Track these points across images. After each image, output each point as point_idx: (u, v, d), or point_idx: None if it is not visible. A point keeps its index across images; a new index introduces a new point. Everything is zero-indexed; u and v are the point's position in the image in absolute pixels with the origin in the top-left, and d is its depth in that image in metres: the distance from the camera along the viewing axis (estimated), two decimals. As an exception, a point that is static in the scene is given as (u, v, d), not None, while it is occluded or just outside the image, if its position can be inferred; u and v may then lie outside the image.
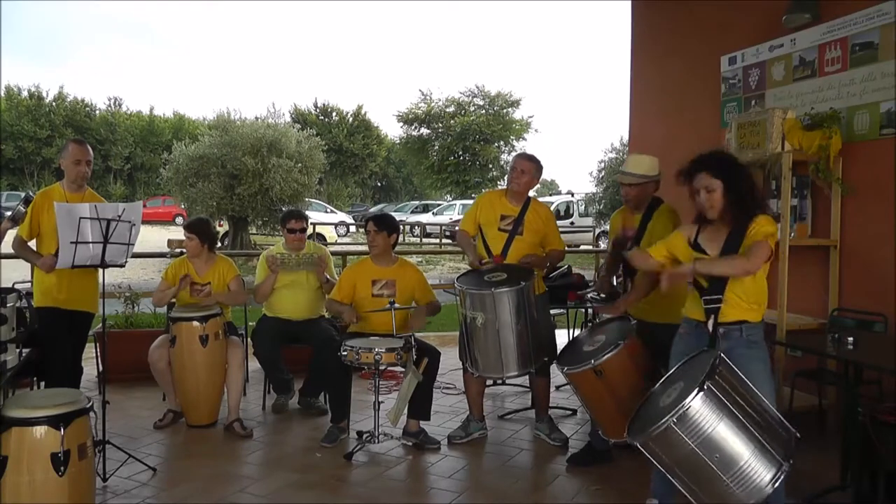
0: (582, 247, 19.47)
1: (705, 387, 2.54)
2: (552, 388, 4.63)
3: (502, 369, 4.02)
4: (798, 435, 2.72)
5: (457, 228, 4.72)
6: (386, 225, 4.47)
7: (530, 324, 3.92)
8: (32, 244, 4.13)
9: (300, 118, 37.47)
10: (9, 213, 3.73)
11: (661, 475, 3.11)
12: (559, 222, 5.29)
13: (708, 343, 2.90)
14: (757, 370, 2.84)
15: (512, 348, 3.92)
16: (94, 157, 4.31)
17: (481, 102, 33.99)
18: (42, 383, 4.28)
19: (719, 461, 2.54)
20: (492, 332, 3.90)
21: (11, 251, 4.18)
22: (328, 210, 27.73)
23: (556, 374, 4.66)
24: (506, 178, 4.41)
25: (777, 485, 2.55)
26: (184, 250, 4.89)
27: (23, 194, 3.77)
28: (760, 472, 2.55)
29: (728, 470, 2.54)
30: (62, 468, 2.85)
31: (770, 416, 2.72)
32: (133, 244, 3.87)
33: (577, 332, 5.85)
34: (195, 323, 4.36)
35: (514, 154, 4.58)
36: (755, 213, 2.88)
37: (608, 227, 4.90)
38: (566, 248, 4.49)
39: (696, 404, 2.53)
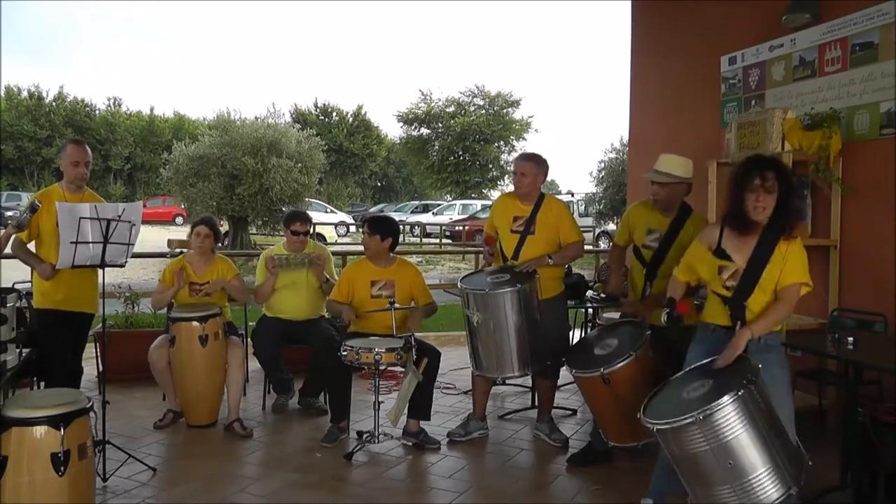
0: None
1: (740, 392, 2.51)
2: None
3: (498, 369, 4.02)
4: (810, 462, 2.72)
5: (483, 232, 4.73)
6: (380, 229, 4.43)
7: (530, 326, 3.89)
8: (31, 246, 4.12)
9: (300, 118, 37.44)
10: (13, 220, 3.75)
11: (660, 476, 3.12)
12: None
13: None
14: (774, 375, 2.83)
15: (509, 349, 3.91)
16: (94, 157, 4.32)
17: (481, 102, 34.00)
18: (42, 383, 4.28)
19: (731, 468, 2.52)
20: (489, 332, 3.90)
21: (10, 252, 4.17)
22: (328, 210, 27.72)
23: (556, 374, 4.66)
24: (507, 178, 4.40)
25: None
26: (184, 250, 4.88)
27: (27, 196, 3.79)
28: (768, 488, 2.52)
29: (736, 479, 2.52)
30: (62, 468, 2.85)
31: (788, 435, 2.71)
32: (133, 244, 3.86)
33: (576, 332, 5.85)
34: (195, 323, 4.36)
35: (514, 155, 4.52)
36: (787, 229, 2.88)
37: (609, 227, 4.88)
38: (583, 240, 4.33)
39: (728, 408, 2.50)
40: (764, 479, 2.52)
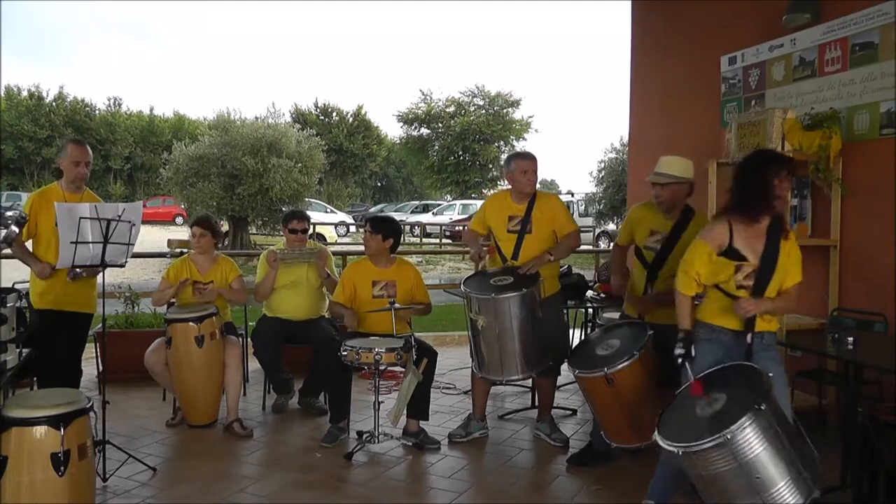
0: (582, 247, 19.42)
1: (760, 409, 2.50)
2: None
3: (503, 372, 4.02)
4: (817, 453, 2.71)
5: (465, 227, 4.72)
6: (382, 229, 4.43)
7: (534, 328, 3.88)
8: (29, 244, 4.10)
9: (300, 118, 37.41)
10: (2, 234, 3.70)
11: (661, 478, 3.11)
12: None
13: (744, 355, 2.92)
14: (775, 373, 2.83)
15: (513, 352, 3.91)
16: (94, 157, 4.29)
17: (481, 102, 34.03)
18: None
19: (755, 484, 2.51)
20: (494, 335, 3.89)
21: (9, 251, 4.15)
22: (328, 210, 27.72)
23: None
24: (507, 180, 4.33)
25: None
26: (184, 250, 4.89)
27: (26, 196, 3.74)
28: (795, 496, 2.53)
29: (763, 491, 2.52)
30: (62, 468, 2.85)
31: (795, 432, 2.71)
32: (133, 244, 3.85)
33: (577, 332, 5.85)
34: (190, 324, 4.34)
35: (510, 156, 4.40)
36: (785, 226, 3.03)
37: (609, 227, 4.86)
38: (579, 229, 4.30)
39: (748, 429, 2.48)
40: (788, 487, 2.52)
